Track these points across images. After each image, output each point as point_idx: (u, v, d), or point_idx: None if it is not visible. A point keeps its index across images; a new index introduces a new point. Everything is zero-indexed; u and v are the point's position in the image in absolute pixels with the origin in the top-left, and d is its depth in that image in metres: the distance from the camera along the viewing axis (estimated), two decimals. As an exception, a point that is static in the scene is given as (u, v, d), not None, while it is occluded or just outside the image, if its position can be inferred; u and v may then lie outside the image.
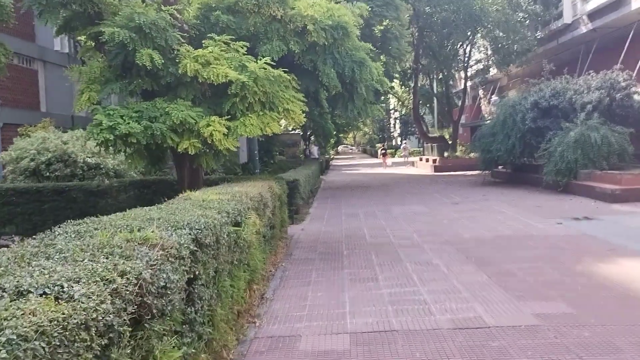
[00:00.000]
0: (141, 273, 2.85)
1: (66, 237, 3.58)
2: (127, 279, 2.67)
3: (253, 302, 7.04)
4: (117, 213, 4.59)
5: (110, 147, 9.34)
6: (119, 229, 3.77)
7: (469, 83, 40.53)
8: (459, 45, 37.60)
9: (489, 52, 35.90)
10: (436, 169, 35.63)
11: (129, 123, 9.11)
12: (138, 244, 3.32)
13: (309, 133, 47.55)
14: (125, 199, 13.31)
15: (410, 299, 7.12)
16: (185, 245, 3.76)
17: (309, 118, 39.41)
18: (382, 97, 42.88)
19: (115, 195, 13.17)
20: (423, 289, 7.58)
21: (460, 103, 45.38)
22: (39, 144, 15.30)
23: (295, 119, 10.39)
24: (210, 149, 10.23)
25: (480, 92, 46.06)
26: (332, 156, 65.70)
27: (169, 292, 3.24)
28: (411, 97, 55.87)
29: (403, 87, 54.06)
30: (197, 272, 4.02)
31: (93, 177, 15.43)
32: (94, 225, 4.01)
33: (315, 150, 36.61)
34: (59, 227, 4.09)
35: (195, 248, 4.01)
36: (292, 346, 5.65)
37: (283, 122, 12.31)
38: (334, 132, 50.41)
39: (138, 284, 2.78)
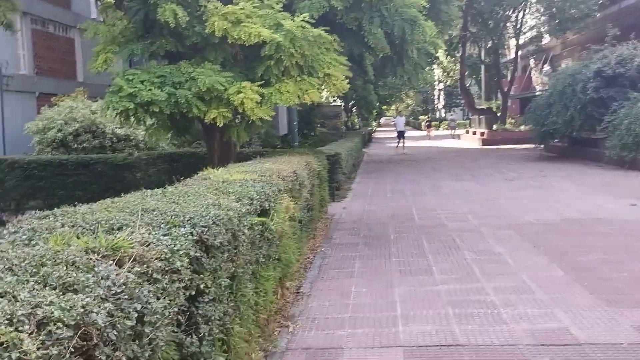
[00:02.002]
0: (86, 315, 1.74)
1: (14, 240, 2.51)
2: (49, 335, 1.57)
3: (286, 299, 5.96)
4: (105, 200, 3.51)
5: (131, 117, 8.32)
6: (88, 229, 2.69)
7: (520, 52, 38.31)
8: (510, 11, 35.43)
9: (543, 18, 33.70)
10: (484, 142, 33.87)
11: (150, 89, 8.07)
12: (101, 256, 2.22)
13: (350, 104, 46.23)
14: (155, 173, 12.39)
15: (474, 300, 5.91)
16: (183, 251, 2.65)
17: (352, 88, 38.13)
18: (427, 67, 41.04)
19: (143, 168, 12.25)
20: (488, 287, 6.36)
21: (509, 74, 43.25)
22: (67, 114, 14.50)
23: (337, 85, 9.18)
24: (242, 119, 9.14)
25: (532, 61, 43.71)
26: (374, 128, 64.13)
27: (146, 331, 2.13)
28: (457, 68, 53.82)
29: (449, 56, 51.99)
30: (202, 286, 2.92)
31: (122, 149, 14.60)
32: (63, 219, 2.94)
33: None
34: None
35: (199, 253, 2.90)
36: (332, 363, 4.55)
37: (324, 92, 11.16)
38: (377, 104, 48.99)
39: (77, 335, 1.67)
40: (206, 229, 3.00)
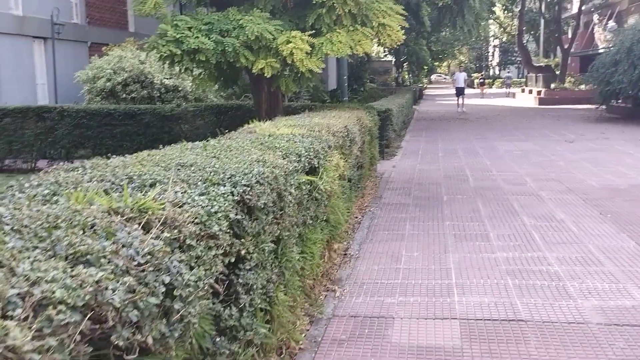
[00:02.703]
0: (100, 292, 1.43)
1: (35, 194, 2.22)
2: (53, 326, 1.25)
3: (334, 261, 5.65)
4: (141, 152, 3.20)
5: (176, 64, 8.02)
6: (117, 184, 2.38)
7: (583, 6, 36.28)
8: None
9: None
10: (541, 101, 32.55)
11: (197, 37, 7.73)
12: (126, 219, 1.90)
13: (401, 60, 45.05)
14: (202, 125, 12.16)
15: (535, 270, 5.47)
16: (221, 213, 2.32)
17: (404, 43, 37.05)
18: (482, 22, 39.41)
19: (190, 120, 12.04)
20: (550, 256, 5.89)
21: (570, 30, 41.19)
22: (115, 64, 14.34)
23: (392, 36, 8.66)
24: (291, 70, 8.74)
25: (595, 17, 41.41)
26: (425, 85, 62.62)
27: (176, 307, 1.82)
28: (514, 23, 51.64)
29: (506, 11, 49.93)
30: (243, 252, 2.59)
31: (171, 99, 14.42)
32: (92, 172, 2.64)
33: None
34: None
35: (241, 215, 2.56)
36: (382, 334, 4.22)
37: (377, 44, 10.58)
38: (429, 60, 47.60)
39: (87, 318, 1.36)
40: (249, 189, 2.66)
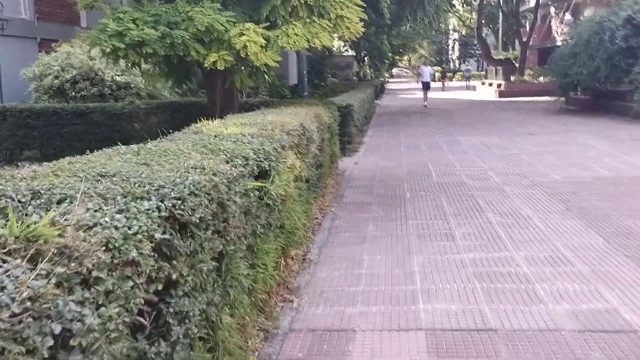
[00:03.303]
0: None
1: None
2: None
3: (291, 268, 5.28)
4: (61, 160, 2.77)
5: (121, 59, 7.53)
6: (18, 202, 1.97)
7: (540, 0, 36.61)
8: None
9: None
10: (501, 94, 32.74)
11: (142, 29, 7.25)
12: (6, 252, 1.50)
13: (362, 54, 44.88)
14: (155, 123, 11.62)
15: (504, 272, 5.21)
16: (142, 234, 1.93)
17: (364, 37, 36.78)
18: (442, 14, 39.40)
19: (142, 118, 11.49)
20: (518, 256, 5.64)
21: (527, 23, 41.57)
22: (63, 60, 13.66)
23: (351, 28, 8.32)
24: (246, 65, 8.32)
25: (552, 10, 41.88)
26: (386, 79, 62.59)
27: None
28: (473, 17, 51.96)
29: (465, 4, 50.24)
30: (175, 275, 2.21)
31: (123, 97, 13.81)
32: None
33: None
34: None
35: (170, 233, 2.18)
36: (342, 350, 3.87)
37: (335, 37, 10.20)
38: (390, 54, 47.54)
39: None
40: (180, 202, 2.27)
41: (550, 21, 42.39)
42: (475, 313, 4.37)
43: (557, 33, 40.16)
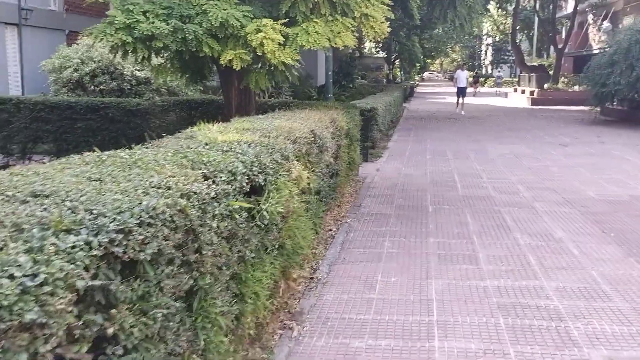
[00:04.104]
0: None
1: None
2: None
3: (295, 288, 4.78)
4: None
5: (130, 53, 7.11)
6: None
7: (578, 6, 35.51)
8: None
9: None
10: (534, 101, 31.79)
11: (153, 22, 6.81)
12: None
13: (393, 57, 44.24)
14: (172, 121, 11.24)
15: (532, 305, 4.63)
16: (55, 284, 1.45)
17: (395, 39, 36.16)
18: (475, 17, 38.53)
19: (159, 115, 11.10)
20: (549, 286, 5.05)
21: (563, 29, 40.45)
22: (84, 52, 13.36)
23: (376, 28, 7.77)
24: (263, 63, 7.83)
25: (590, 17, 40.69)
26: (416, 83, 61.74)
27: None
28: (507, 22, 50.87)
29: (500, 9, 49.29)
30: (111, 330, 1.72)
31: (142, 93, 13.47)
32: None
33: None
34: None
35: (105, 278, 1.69)
36: (341, 395, 3.36)
37: (368, 39, 9.69)
38: (421, 57, 46.78)
39: None
40: (122, 236, 1.78)
41: (587, 28, 41.24)
42: (497, 355, 3.81)
43: (594, 41, 39.04)
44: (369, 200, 8.53)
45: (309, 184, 4.68)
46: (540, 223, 7.19)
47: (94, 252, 1.66)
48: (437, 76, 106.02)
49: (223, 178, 2.70)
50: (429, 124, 21.36)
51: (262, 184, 3.24)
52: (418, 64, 49.12)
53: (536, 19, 40.96)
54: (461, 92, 26.59)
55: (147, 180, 2.24)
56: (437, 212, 7.82)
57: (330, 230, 6.90)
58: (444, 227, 7.05)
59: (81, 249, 1.62)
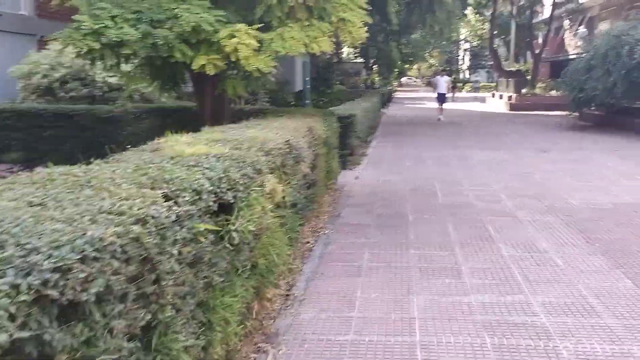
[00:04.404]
0: None
1: None
2: None
3: (270, 308, 4.52)
4: None
5: (98, 60, 6.81)
6: None
7: (555, 11, 35.79)
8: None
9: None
10: (512, 106, 31.89)
11: (122, 27, 6.53)
12: None
13: (371, 62, 44.28)
14: (145, 129, 10.90)
15: (518, 323, 4.42)
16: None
17: (373, 44, 36.09)
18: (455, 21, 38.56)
19: (131, 123, 10.77)
20: (535, 301, 4.86)
21: (540, 35, 40.76)
22: (54, 58, 12.97)
23: (354, 33, 7.59)
24: (238, 69, 7.61)
25: (566, 23, 41.08)
26: (395, 88, 61.86)
27: None
28: (484, 27, 51.19)
29: (477, 14, 49.64)
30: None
31: (115, 99, 13.10)
32: None
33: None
34: None
35: (31, 330, 1.42)
36: None
37: (347, 45, 9.48)
38: (399, 62, 46.87)
39: None
40: (59, 275, 1.52)
41: (563, 34, 41.63)
42: (485, 380, 3.59)
43: (570, 46, 39.40)
44: (348, 210, 8.30)
45: (284, 197, 4.44)
46: (523, 233, 7.02)
47: (23, 298, 1.40)
48: (415, 81, 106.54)
49: (187, 198, 2.45)
50: (407, 130, 21.25)
51: (232, 201, 2.99)
52: (396, 70, 49.22)
53: (513, 24, 41.22)
54: (440, 98, 25.91)
55: (97, 205, 1.99)
56: (417, 221, 7.62)
57: (308, 242, 6.66)
58: (425, 237, 6.85)
59: (6, 295, 1.36)
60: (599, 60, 19.58)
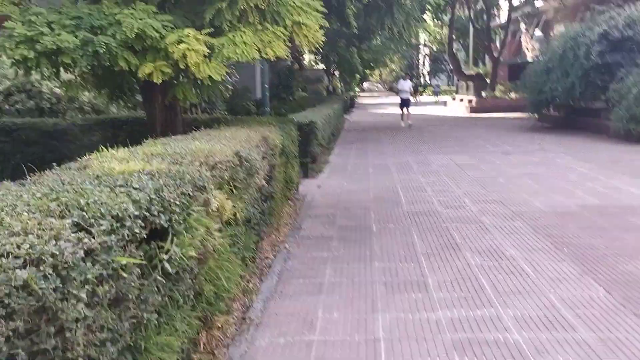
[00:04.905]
0: None
1: None
2: None
3: (222, 337, 4.13)
4: None
5: (34, 69, 6.33)
6: None
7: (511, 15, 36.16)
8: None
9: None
10: (472, 109, 32.07)
11: (59, 34, 6.06)
12: None
13: (332, 69, 44.11)
14: (95, 142, 10.34)
15: (490, 340, 4.13)
16: None
17: (334, 50, 35.89)
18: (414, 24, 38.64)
19: (79, 136, 10.22)
20: (506, 315, 4.59)
21: (497, 38, 41.18)
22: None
23: (310, 37, 7.24)
24: (188, 76, 7.19)
25: (522, 26, 41.60)
26: (357, 94, 61.81)
27: None
28: (443, 32, 51.57)
29: (435, 20, 49.96)
30: None
31: (64, 111, 12.51)
32: None
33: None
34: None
35: None
36: None
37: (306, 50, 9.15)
38: (360, 68, 46.79)
39: None
40: None
41: (519, 37, 42.16)
42: (457, 410, 3.28)
43: (527, 49, 39.91)
44: (309, 222, 7.95)
45: (235, 214, 4.06)
46: (490, 239, 6.78)
47: None
48: (376, 86, 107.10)
49: (103, 227, 2.06)
50: (370, 136, 21.04)
51: (166, 225, 2.61)
52: (358, 75, 49.15)
53: (471, 28, 41.56)
54: (404, 103, 25.00)
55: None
56: (381, 231, 7.32)
57: (267, 258, 6.28)
58: (389, 248, 6.54)
59: None
60: (556, 62, 19.72)
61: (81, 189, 2.40)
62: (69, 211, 2.06)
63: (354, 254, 6.36)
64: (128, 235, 2.23)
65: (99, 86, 7.78)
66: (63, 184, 2.53)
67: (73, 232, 1.93)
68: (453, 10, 37.61)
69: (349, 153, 15.80)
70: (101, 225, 2.07)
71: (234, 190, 4.22)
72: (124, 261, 2.13)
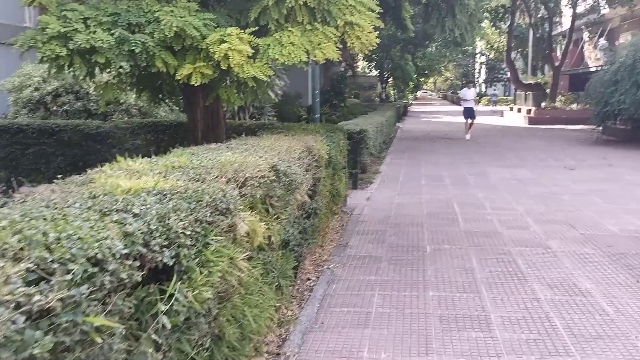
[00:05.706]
0: None
1: None
2: None
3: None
4: None
5: (66, 68, 5.94)
6: None
7: (575, 23, 34.66)
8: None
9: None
10: (531, 120, 30.75)
11: (94, 31, 5.65)
12: None
13: (386, 75, 43.40)
14: (137, 146, 10.04)
15: (569, 401, 3.43)
16: None
17: (388, 57, 35.23)
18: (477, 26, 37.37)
19: (122, 139, 9.91)
20: (586, 366, 3.86)
21: (558, 47, 39.65)
22: (46, 70, 12.17)
23: (362, 38, 6.66)
24: (230, 78, 6.71)
25: (585, 35, 39.89)
26: (410, 101, 60.82)
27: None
28: (501, 40, 50.12)
29: (493, 27, 48.61)
30: None
31: (111, 113, 12.29)
32: None
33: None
34: None
35: None
36: None
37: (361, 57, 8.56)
38: (414, 75, 45.95)
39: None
40: None
41: (582, 46, 40.44)
42: None
43: (590, 58, 38.19)
44: (356, 238, 7.33)
45: (269, 237, 3.49)
46: (559, 269, 6.01)
47: None
48: (430, 95, 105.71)
49: (68, 277, 1.52)
50: (423, 145, 20.25)
51: (172, 263, 2.06)
52: (411, 83, 48.29)
53: (531, 36, 40.15)
54: (468, 113, 22.23)
55: None
56: (436, 253, 6.64)
57: (309, 279, 5.71)
58: (445, 274, 5.86)
59: None
60: (625, 72, 18.48)
61: (62, 215, 1.87)
62: (26, 253, 1.53)
63: (405, 279, 5.71)
64: (110, 283, 1.68)
65: (137, 88, 7.38)
66: (46, 206, 2.00)
67: (27, 284, 1.39)
68: (513, 16, 36.35)
69: (400, 162, 15.09)
70: (68, 271, 1.52)
71: (270, 210, 3.65)
72: (97, 323, 1.58)
